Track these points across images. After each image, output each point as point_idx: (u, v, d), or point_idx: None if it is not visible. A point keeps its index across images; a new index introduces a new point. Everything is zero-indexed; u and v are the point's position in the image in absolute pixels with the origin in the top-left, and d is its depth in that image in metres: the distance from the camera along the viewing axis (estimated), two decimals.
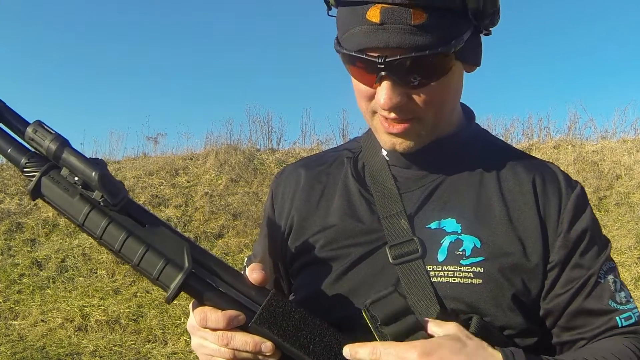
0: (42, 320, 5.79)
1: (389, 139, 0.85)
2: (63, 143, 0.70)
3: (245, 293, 0.74)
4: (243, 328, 0.72)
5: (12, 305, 6.06)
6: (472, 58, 0.84)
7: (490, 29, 0.84)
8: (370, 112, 0.85)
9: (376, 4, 0.73)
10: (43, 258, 6.80)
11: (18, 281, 6.46)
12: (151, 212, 0.77)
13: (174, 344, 5.40)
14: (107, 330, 5.64)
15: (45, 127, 0.72)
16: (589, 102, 22.31)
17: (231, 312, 0.72)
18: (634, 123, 9.37)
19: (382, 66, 0.75)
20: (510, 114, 18.00)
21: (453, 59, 0.78)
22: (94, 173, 0.69)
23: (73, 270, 6.66)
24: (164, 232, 0.74)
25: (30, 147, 0.74)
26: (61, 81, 20.67)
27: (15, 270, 6.60)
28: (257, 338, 0.72)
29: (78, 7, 21.48)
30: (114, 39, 20.63)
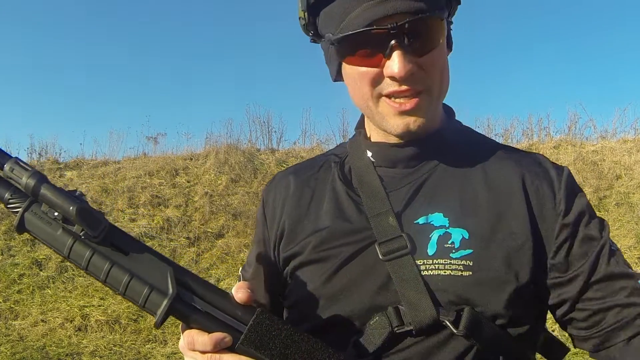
0: (42, 320, 5.79)
1: (402, 120, 0.86)
2: (40, 180, 0.72)
3: (231, 313, 0.75)
4: (231, 349, 0.74)
5: (12, 305, 6.06)
6: (449, 38, 0.90)
7: (451, 18, 0.91)
8: (375, 97, 0.86)
9: None
10: (43, 258, 6.81)
11: (18, 281, 6.46)
12: (134, 237, 0.78)
13: (174, 344, 5.41)
14: (107, 330, 5.65)
15: (22, 164, 0.74)
16: (589, 102, 22.36)
17: (217, 335, 0.73)
18: (634, 123, 9.40)
19: (395, 31, 0.79)
20: (510, 114, 17.99)
21: (444, 29, 0.85)
22: (71, 208, 0.70)
23: (73, 270, 6.66)
24: (148, 258, 0.76)
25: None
26: (61, 82, 20.68)
27: (15, 270, 6.60)
28: (244, 359, 0.74)
29: (78, 7, 21.49)
30: (114, 39, 20.64)
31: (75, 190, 0.74)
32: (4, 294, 6.23)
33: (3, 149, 0.76)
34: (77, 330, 5.64)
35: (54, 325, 5.69)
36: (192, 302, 0.75)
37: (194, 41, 21.78)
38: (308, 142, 10.13)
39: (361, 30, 0.80)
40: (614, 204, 7.39)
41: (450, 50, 0.92)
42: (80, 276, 6.59)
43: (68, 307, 5.99)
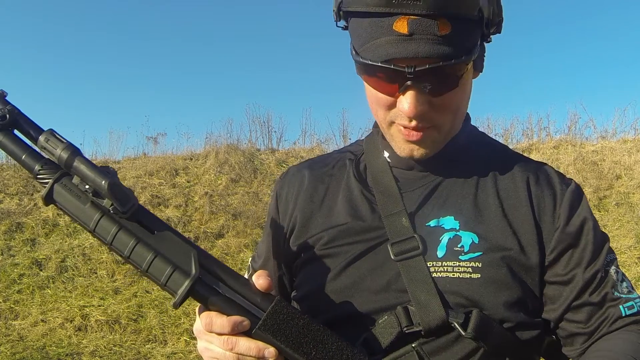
0: (42, 320, 5.79)
1: (407, 146, 0.88)
2: (74, 152, 0.73)
3: (250, 299, 0.76)
4: (247, 333, 0.74)
5: (12, 305, 6.06)
6: (479, 65, 0.88)
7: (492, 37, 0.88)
8: (388, 121, 0.87)
9: (403, 16, 0.74)
10: (43, 258, 6.81)
11: (18, 281, 6.46)
12: (160, 219, 0.78)
13: (174, 344, 5.41)
14: (107, 330, 5.64)
15: (57, 136, 0.74)
16: (589, 101, 22.32)
17: (236, 318, 0.74)
18: (634, 123, 9.39)
19: (411, 75, 0.76)
20: (510, 114, 17.98)
21: (471, 68, 0.83)
22: (103, 182, 0.71)
23: (73, 270, 6.66)
24: (173, 239, 0.76)
25: (43, 154, 0.76)
26: (61, 81, 20.69)
27: (15, 270, 6.60)
28: (260, 344, 0.74)
29: (77, 4, 21.50)
30: (114, 39, 20.64)
31: (108, 167, 0.75)
32: (4, 294, 6.22)
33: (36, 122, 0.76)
34: (77, 330, 5.63)
35: (54, 325, 5.69)
36: (214, 285, 0.76)
37: (193, 40, 21.78)
38: (308, 142, 10.13)
39: (379, 65, 0.78)
40: (614, 204, 7.39)
41: (480, 71, 0.90)
42: (80, 276, 6.59)
43: (68, 307, 5.99)
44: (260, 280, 0.76)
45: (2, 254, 6.87)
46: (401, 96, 0.81)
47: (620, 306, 0.84)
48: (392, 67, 0.77)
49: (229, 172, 8.62)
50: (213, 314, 0.75)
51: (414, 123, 0.83)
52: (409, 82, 0.78)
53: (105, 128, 25.06)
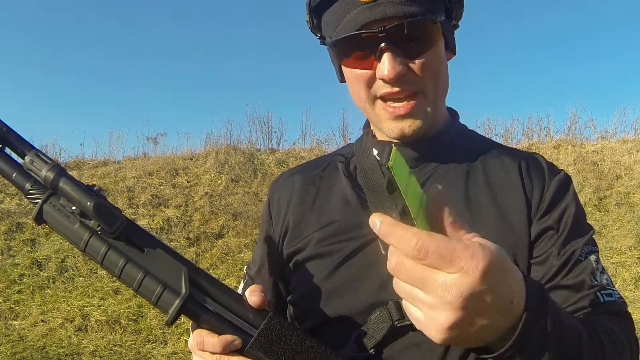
0: (42, 320, 5.79)
1: (396, 124, 0.87)
2: (59, 173, 0.73)
3: (242, 316, 0.75)
4: (240, 351, 0.74)
5: (12, 305, 6.07)
6: (450, 41, 0.91)
7: (458, 22, 0.92)
8: (371, 99, 0.88)
9: None
10: (43, 258, 6.81)
11: (18, 281, 6.46)
12: (152, 234, 0.78)
13: (174, 344, 5.41)
14: (107, 330, 5.65)
15: (42, 156, 0.74)
16: (589, 102, 22.35)
17: (227, 337, 0.73)
18: (634, 123, 9.41)
19: (383, 34, 0.80)
20: (510, 114, 18.01)
21: (440, 32, 0.85)
22: (89, 203, 0.71)
23: (73, 270, 6.66)
24: (163, 256, 0.76)
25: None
26: (61, 82, 20.69)
27: (15, 270, 6.60)
28: None
29: (78, 8, 21.49)
30: (114, 40, 20.64)
31: (94, 186, 0.74)
32: (4, 294, 6.23)
33: (25, 138, 0.76)
34: (77, 330, 5.64)
35: (54, 325, 5.69)
36: (204, 303, 0.75)
37: (193, 41, 21.78)
38: (308, 142, 10.15)
39: (351, 34, 0.82)
40: (614, 204, 7.39)
41: (454, 53, 0.93)
42: (80, 276, 6.59)
43: (68, 307, 5.99)
44: (253, 296, 0.75)
45: (2, 254, 6.87)
46: (378, 64, 0.83)
47: (599, 292, 0.84)
48: (364, 32, 0.81)
49: (229, 172, 8.62)
50: (204, 332, 0.74)
51: (396, 89, 0.84)
52: (382, 44, 0.81)
53: (105, 128, 25.06)
